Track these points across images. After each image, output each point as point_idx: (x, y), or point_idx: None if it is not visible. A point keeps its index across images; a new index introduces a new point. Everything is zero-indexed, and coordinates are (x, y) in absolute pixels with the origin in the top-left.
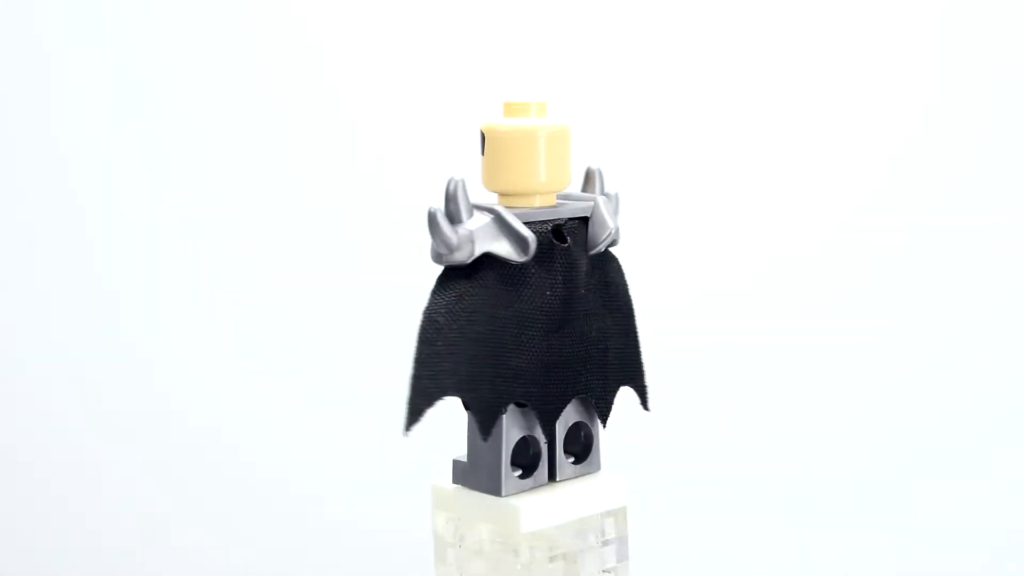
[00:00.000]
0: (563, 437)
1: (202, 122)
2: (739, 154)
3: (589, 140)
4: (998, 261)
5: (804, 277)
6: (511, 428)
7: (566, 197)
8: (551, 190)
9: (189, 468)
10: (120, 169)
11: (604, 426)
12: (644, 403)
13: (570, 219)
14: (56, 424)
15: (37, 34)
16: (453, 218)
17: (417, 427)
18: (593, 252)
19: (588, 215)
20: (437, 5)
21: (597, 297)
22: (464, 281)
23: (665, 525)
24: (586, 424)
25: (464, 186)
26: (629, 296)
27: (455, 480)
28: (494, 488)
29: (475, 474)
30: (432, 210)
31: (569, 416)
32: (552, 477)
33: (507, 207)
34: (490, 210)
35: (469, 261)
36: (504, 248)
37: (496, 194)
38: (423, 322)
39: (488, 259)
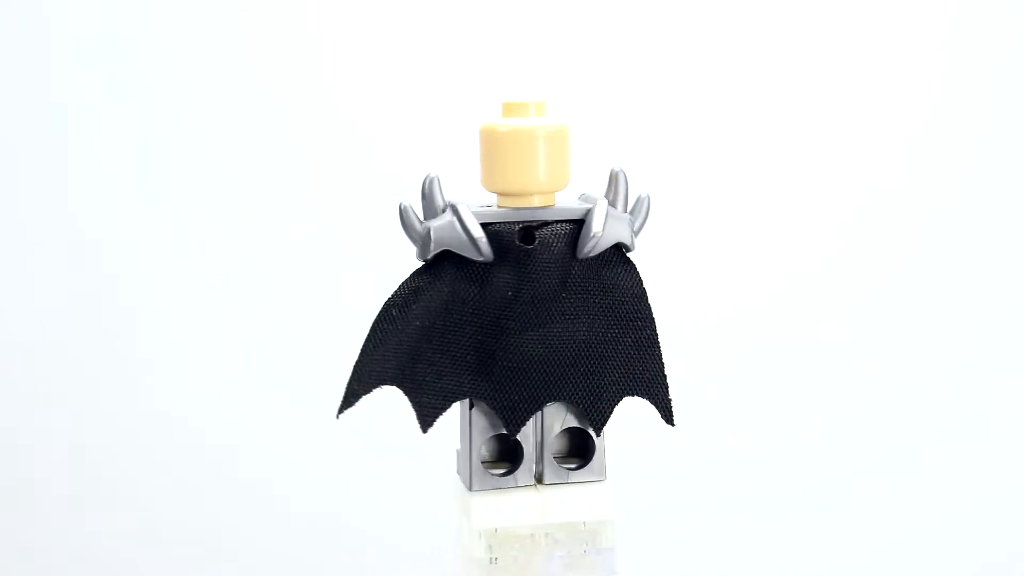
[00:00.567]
0: (552, 440)
1: (203, 122)
2: (743, 155)
3: (590, 140)
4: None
5: (805, 278)
6: (483, 425)
7: (585, 199)
8: (550, 190)
9: (190, 469)
10: (121, 169)
11: (598, 435)
12: (665, 417)
13: (557, 221)
14: (70, 437)
15: (39, 35)
16: (425, 214)
17: (351, 411)
18: (582, 256)
19: (582, 217)
20: (436, 5)
21: (590, 302)
22: (425, 276)
23: (669, 533)
24: (585, 431)
25: (437, 183)
26: (640, 303)
27: (457, 470)
28: (467, 482)
29: (460, 467)
30: (402, 205)
31: (561, 420)
32: (540, 480)
33: (500, 207)
34: (453, 208)
35: (429, 257)
36: (462, 246)
37: (495, 194)
38: (380, 311)
39: (451, 256)
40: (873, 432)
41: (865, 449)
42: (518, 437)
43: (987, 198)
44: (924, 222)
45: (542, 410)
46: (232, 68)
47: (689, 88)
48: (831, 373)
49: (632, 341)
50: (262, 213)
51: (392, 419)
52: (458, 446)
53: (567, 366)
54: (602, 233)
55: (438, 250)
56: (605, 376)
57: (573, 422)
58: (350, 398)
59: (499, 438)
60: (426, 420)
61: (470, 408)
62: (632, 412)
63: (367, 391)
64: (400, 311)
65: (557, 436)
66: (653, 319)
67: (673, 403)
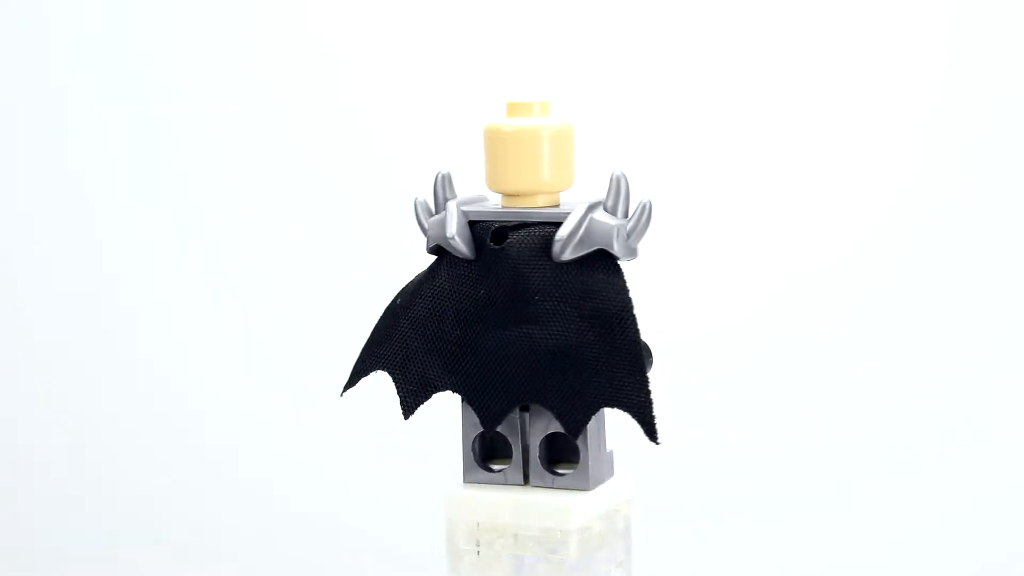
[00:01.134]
0: (541, 442)
1: (206, 122)
2: (747, 155)
3: (597, 140)
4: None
5: (807, 279)
6: (473, 420)
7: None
8: (554, 190)
9: (190, 469)
10: (122, 168)
11: (573, 440)
12: (647, 433)
13: (539, 222)
14: (84, 444)
15: (41, 35)
16: (435, 210)
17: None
18: (555, 259)
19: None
20: (442, 5)
21: (568, 305)
22: (427, 270)
23: (667, 533)
24: (569, 437)
25: (441, 180)
26: (623, 312)
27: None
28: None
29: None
30: (415, 200)
31: (545, 425)
32: (527, 480)
33: (504, 207)
34: (447, 205)
35: (428, 250)
36: (446, 243)
37: (500, 194)
38: (392, 299)
39: (445, 251)
40: (874, 433)
41: (866, 450)
42: (507, 436)
43: (987, 198)
44: (925, 223)
45: (528, 412)
46: (238, 68)
47: (695, 88)
48: (832, 374)
49: (611, 350)
50: (266, 212)
51: (391, 415)
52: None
53: (541, 369)
54: (572, 237)
55: (432, 245)
56: (580, 383)
57: (559, 427)
58: (352, 379)
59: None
60: (407, 407)
61: (463, 402)
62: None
63: (365, 374)
64: (403, 300)
65: (558, 439)
66: (636, 329)
67: (658, 420)
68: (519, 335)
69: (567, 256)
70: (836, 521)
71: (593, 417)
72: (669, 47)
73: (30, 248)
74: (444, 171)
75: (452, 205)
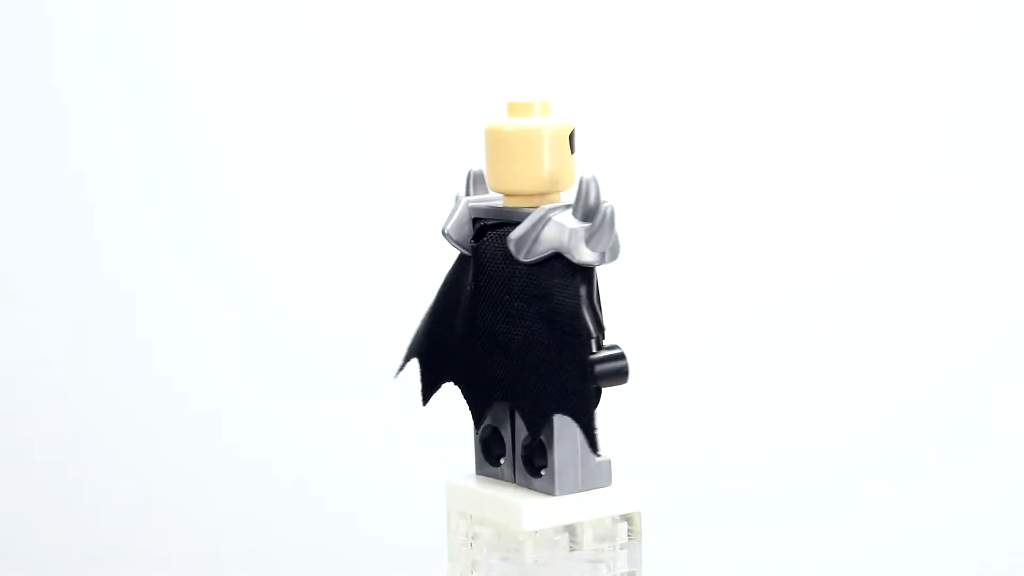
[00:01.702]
0: (520, 441)
1: (207, 122)
2: (747, 155)
3: (595, 140)
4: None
5: (808, 282)
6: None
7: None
8: (555, 190)
9: (198, 465)
10: (122, 168)
11: (533, 440)
12: (589, 444)
13: (516, 222)
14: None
15: (44, 36)
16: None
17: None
18: (521, 260)
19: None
20: (442, 5)
21: (530, 307)
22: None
23: (666, 533)
24: (541, 441)
25: (477, 177)
26: (573, 321)
27: None
28: None
29: None
30: (455, 196)
31: (521, 426)
32: (515, 477)
33: (505, 207)
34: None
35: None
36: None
37: (501, 194)
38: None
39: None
40: (873, 434)
41: (865, 450)
42: (502, 433)
43: (989, 199)
44: (924, 222)
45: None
46: (237, 68)
47: (696, 88)
48: (831, 374)
49: (561, 356)
50: (266, 211)
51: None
52: None
53: (512, 367)
54: (524, 239)
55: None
56: (539, 386)
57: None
58: (402, 365)
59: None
60: (424, 395)
61: None
62: (631, 412)
63: (406, 361)
64: (437, 293)
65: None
66: (586, 338)
67: (599, 432)
68: (497, 332)
69: (524, 257)
70: (836, 523)
71: (568, 423)
72: (670, 47)
73: (39, 247)
74: (476, 169)
75: (462, 201)
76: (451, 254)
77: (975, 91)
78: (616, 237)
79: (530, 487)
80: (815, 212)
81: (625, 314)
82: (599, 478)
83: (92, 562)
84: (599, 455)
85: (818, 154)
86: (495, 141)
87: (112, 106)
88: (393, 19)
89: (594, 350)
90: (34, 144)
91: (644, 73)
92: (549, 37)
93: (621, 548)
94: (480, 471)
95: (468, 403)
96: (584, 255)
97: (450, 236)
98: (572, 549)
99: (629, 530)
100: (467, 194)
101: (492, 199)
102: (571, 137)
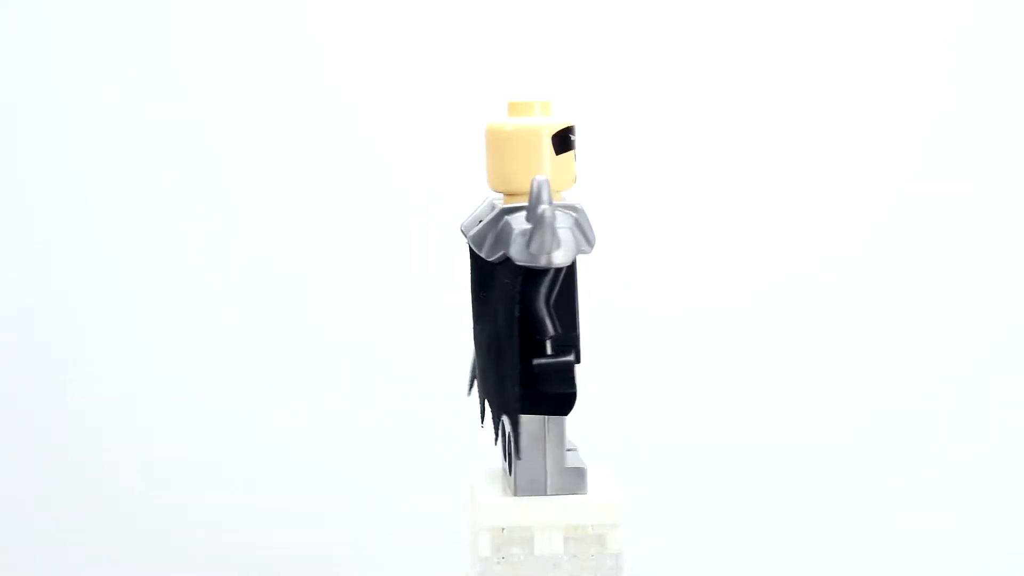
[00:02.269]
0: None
1: (207, 122)
2: (747, 156)
3: (595, 140)
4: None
5: (807, 281)
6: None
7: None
8: (555, 189)
9: (214, 456)
10: (125, 171)
11: (496, 443)
12: (515, 448)
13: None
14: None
15: (44, 36)
16: None
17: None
18: (487, 259)
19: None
20: (442, 5)
21: (497, 306)
22: None
23: (666, 533)
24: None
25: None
26: (510, 319)
27: None
28: None
29: None
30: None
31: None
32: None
33: (506, 206)
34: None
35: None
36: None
37: (502, 194)
38: None
39: None
40: (873, 433)
41: (865, 450)
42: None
43: (990, 200)
44: (925, 223)
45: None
46: (237, 68)
47: (696, 87)
48: (830, 375)
49: (504, 359)
50: (265, 212)
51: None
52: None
53: (486, 366)
54: (481, 238)
55: None
56: (495, 385)
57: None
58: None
59: None
60: (468, 386)
61: None
62: (631, 411)
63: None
64: None
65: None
66: (516, 347)
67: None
68: (481, 330)
69: (487, 256)
70: (835, 523)
71: (536, 425)
72: (670, 47)
73: (38, 248)
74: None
75: (487, 200)
76: (451, 253)
77: (975, 90)
78: (558, 240)
79: (510, 485)
80: (815, 212)
81: (621, 309)
82: (572, 485)
83: (92, 562)
84: (519, 458)
85: (818, 154)
86: (495, 141)
87: (112, 106)
88: (394, 20)
89: (548, 352)
90: (33, 144)
91: (644, 73)
92: (548, 37)
93: (592, 558)
94: (501, 463)
95: (479, 400)
96: (522, 256)
97: (463, 232)
98: (537, 552)
99: (604, 542)
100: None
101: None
102: (563, 135)
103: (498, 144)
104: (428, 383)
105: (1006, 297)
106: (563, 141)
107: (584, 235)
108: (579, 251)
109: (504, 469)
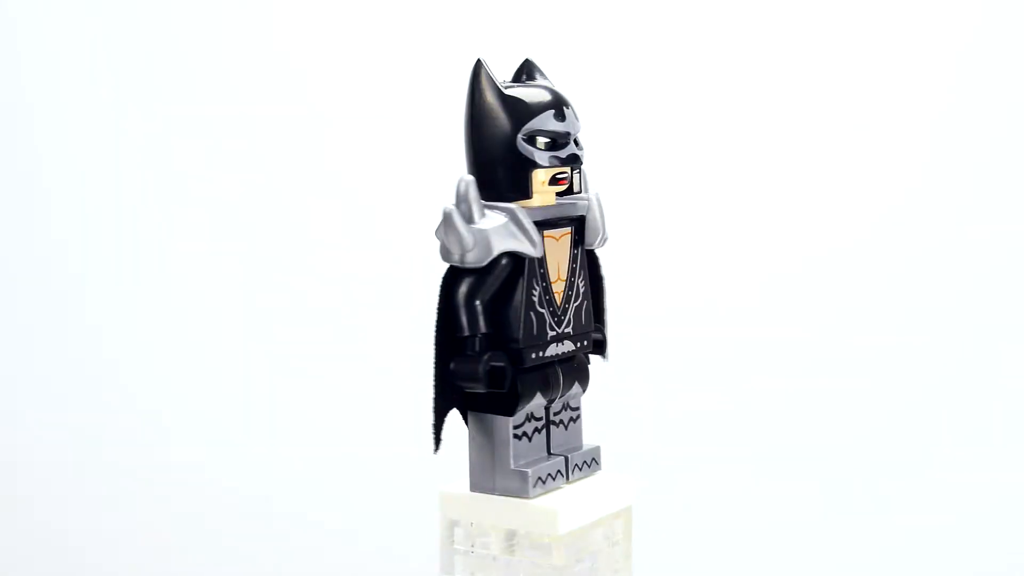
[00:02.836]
0: None
1: (206, 122)
2: (747, 156)
3: (595, 140)
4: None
5: (807, 282)
6: None
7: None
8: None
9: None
10: (124, 170)
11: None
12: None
13: None
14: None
15: (34, 36)
16: (467, 218)
17: None
18: None
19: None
20: (442, 5)
21: None
22: None
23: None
24: None
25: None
26: (437, 315)
27: None
28: None
29: None
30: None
31: None
32: None
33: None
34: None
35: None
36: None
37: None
38: None
39: None
40: (873, 434)
41: (865, 452)
42: None
43: (994, 201)
44: (926, 223)
45: None
46: (236, 68)
47: (695, 87)
48: (830, 375)
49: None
50: (264, 212)
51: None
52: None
53: None
54: (438, 234)
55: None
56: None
57: None
58: None
59: None
60: None
61: None
62: (631, 410)
63: None
64: None
65: None
66: (436, 343)
67: (437, 432)
68: None
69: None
70: (836, 525)
71: (476, 424)
72: (670, 46)
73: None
74: (468, 177)
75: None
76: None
77: (976, 91)
78: (461, 239)
79: None
80: (815, 213)
81: (619, 306)
82: (511, 487)
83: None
84: (435, 452)
85: (819, 155)
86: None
87: (110, 105)
88: (393, 20)
89: (474, 350)
90: (30, 144)
91: (644, 75)
92: (549, 36)
93: (537, 567)
94: None
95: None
96: (441, 252)
97: None
98: (477, 549)
99: (550, 551)
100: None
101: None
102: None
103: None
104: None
105: (1006, 297)
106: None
107: (519, 236)
108: (505, 252)
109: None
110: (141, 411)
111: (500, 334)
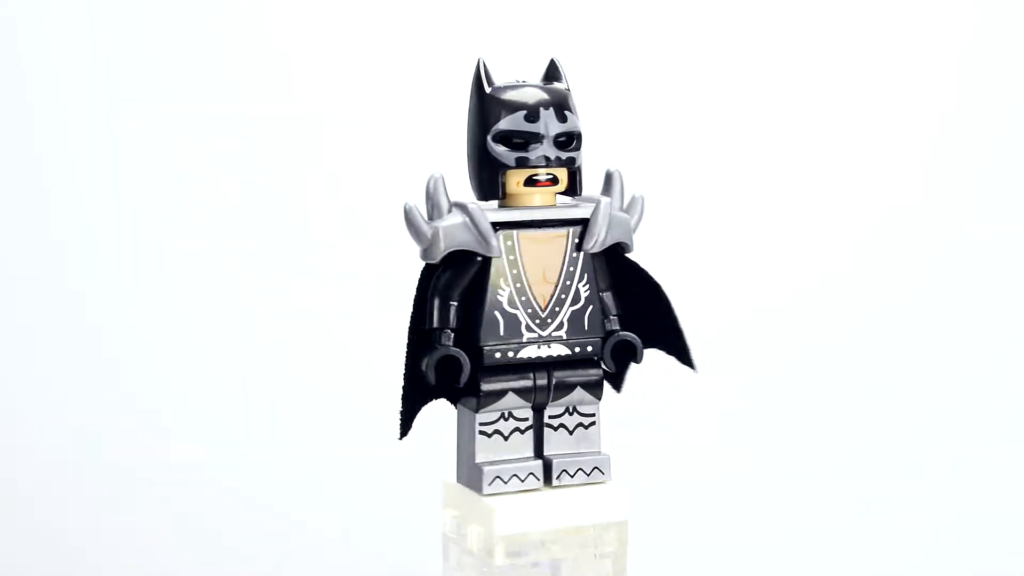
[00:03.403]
0: None
1: (205, 121)
2: (747, 157)
3: (595, 140)
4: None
5: (806, 282)
6: None
7: (586, 199)
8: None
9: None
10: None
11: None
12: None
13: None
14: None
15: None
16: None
17: None
18: None
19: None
20: (441, 5)
21: None
22: None
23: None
24: None
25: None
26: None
27: None
28: None
29: None
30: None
31: None
32: None
33: (502, 206)
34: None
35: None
36: None
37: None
38: None
39: None
40: (873, 433)
41: (865, 451)
42: None
43: (993, 201)
44: (929, 225)
45: None
46: (236, 68)
47: (695, 89)
48: (829, 376)
49: None
50: (261, 212)
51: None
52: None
53: None
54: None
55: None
56: None
57: None
58: None
59: None
60: None
61: None
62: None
63: None
64: None
65: None
66: (408, 335)
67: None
68: None
69: None
70: (836, 525)
71: (458, 416)
72: (669, 47)
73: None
74: (438, 174)
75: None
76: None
77: (980, 93)
78: (419, 234)
79: None
80: (816, 215)
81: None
82: (472, 481)
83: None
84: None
85: (821, 157)
86: None
87: (110, 105)
88: (393, 20)
89: (439, 343)
90: (30, 144)
91: (643, 73)
92: (548, 36)
93: (473, 556)
94: None
95: None
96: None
97: None
98: (460, 536)
99: (492, 552)
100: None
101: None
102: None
103: None
104: None
105: (1007, 297)
106: None
107: (471, 235)
108: (458, 250)
109: None
110: (141, 411)
111: (465, 331)
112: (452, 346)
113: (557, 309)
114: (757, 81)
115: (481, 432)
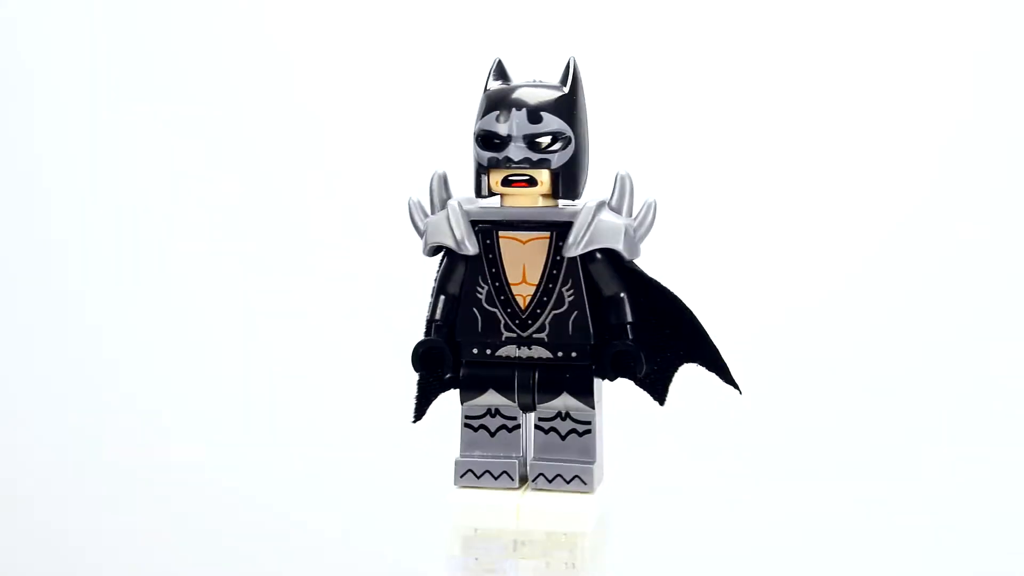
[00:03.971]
0: None
1: (205, 121)
2: (748, 159)
3: (595, 140)
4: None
5: (806, 283)
6: None
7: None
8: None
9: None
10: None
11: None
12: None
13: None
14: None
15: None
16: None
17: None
18: None
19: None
20: (441, 5)
21: None
22: None
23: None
24: None
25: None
26: None
27: None
28: None
29: None
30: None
31: None
32: None
33: (504, 206)
34: None
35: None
36: None
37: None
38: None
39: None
40: (873, 434)
41: (865, 452)
42: None
43: (992, 202)
44: (933, 226)
45: None
46: (232, 73)
47: (697, 90)
48: (829, 374)
49: None
50: (259, 213)
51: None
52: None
53: None
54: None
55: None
56: None
57: None
58: None
59: None
60: None
61: None
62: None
63: None
64: None
65: None
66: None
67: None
68: None
69: None
70: (836, 524)
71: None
72: (672, 48)
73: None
74: (441, 171)
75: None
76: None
77: (991, 98)
78: (416, 229)
79: None
80: (816, 215)
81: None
82: (456, 472)
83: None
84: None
85: (826, 160)
86: None
87: (110, 105)
88: (393, 20)
89: (431, 335)
90: (30, 143)
91: (648, 74)
92: (549, 37)
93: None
94: None
95: None
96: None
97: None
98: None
99: (484, 547)
100: (439, 198)
101: (471, 200)
102: None
103: None
104: None
105: (1007, 297)
106: None
107: (446, 233)
108: (437, 246)
109: None
110: (141, 411)
111: (453, 325)
112: (437, 338)
113: (538, 311)
114: (776, 87)
115: (466, 425)
